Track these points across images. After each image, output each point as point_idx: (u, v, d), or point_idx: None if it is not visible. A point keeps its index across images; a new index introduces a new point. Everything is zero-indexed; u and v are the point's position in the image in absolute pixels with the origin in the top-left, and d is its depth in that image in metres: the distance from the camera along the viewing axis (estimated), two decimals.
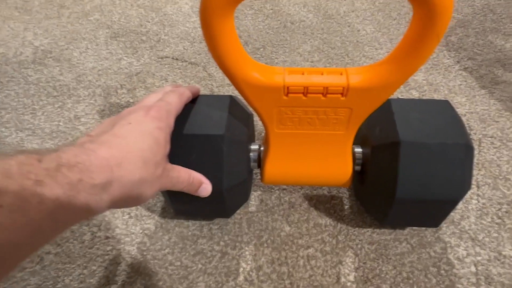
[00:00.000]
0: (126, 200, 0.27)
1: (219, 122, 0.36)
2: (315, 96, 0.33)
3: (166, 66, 0.63)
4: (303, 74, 0.33)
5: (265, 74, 0.33)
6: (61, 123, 0.55)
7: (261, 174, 0.40)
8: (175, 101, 0.34)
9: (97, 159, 0.24)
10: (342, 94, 0.32)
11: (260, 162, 0.41)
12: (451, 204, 0.35)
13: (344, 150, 0.38)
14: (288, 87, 0.33)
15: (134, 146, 0.27)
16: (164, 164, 0.31)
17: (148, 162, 0.28)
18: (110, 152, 0.25)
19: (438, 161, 0.33)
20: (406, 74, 0.30)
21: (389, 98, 0.38)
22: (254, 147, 0.41)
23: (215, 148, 0.35)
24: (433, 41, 0.28)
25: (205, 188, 0.35)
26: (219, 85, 0.59)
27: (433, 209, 0.36)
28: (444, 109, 0.36)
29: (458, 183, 0.33)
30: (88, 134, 0.29)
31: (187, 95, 0.37)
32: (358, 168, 0.40)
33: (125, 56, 0.65)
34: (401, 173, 0.33)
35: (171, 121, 0.33)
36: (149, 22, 0.72)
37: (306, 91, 0.33)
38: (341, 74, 0.32)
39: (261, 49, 0.65)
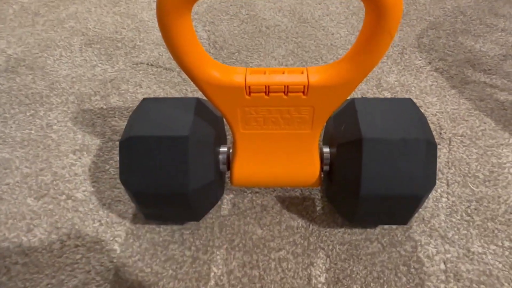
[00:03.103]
0: None
1: (184, 124, 0.36)
2: (277, 95, 0.33)
3: (141, 72, 0.63)
4: (264, 73, 0.33)
5: (226, 74, 0.33)
6: (32, 131, 0.54)
7: (230, 176, 0.40)
8: None
9: None
10: (303, 92, 0.33)
11: (229, 164, 0.40)
12: (416, 200, 0.35)
13: (310, 149, 0.38)
14: (249, 87, 0.33)
15: None
16: None
17: None
18: None
19: (400, 157, 0.33)
20: (364, 71, 0.31)
21: (354, 97, 0.39)
22: (223, 149, 0.41)
23: (180, 149, 0.35)
24: (386, 39, 0.28)
25: None
26: (194, 90, 0.59)
27: (399, 206, 0.36)
28: (406, 107, 0.37)
29: (420, 178, 0.34)
30: None
31: None
32: (326, 168, 0.40)
33: (100, 63, 0.65)
34: (364, 170, 0.34)
35: None
36: (124, 28, 0.72)
37: (267, 90, 0.33)
38: (302, 73, 0.33)
39: (236, 54, 0.65)
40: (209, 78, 0.32)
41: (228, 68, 0.33)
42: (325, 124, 0.36)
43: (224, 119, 0.45)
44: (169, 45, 0.30)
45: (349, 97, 0.41)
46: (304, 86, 0.32)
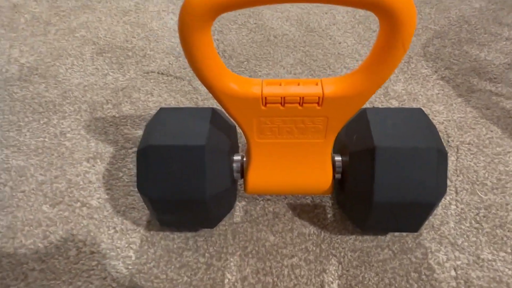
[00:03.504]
0: None
1: (201, 133, 0.37)
2: (292, 106, 0.34)
3: (152, 80, 0.64)
4: (280, 85, 0.34)
5: (243, 85, 0.34)
6: (46, 139, 0.55)
7: (244, 184, 0.41)
8: None
9: None
10: (318, 103, 0.34)
11: (243, 172, 0.41)
12: (427, 207, 0.36)
13: (323, 158, 0.39)
14: (266, 98, 0.34)
15: None
16: None
17: None
18: None
19: (411, 165, 0.34)
20: (377, 83, 0.32)
21: (365, 107, 0.40)
22: (236, 157, 0.41)
23: (197, 158, 0.36)
24: (399, 51, 0.29)
25: None
26: (204, 99, 0.60)
27: (410, 213, 0.37)
28: (417, 116, 0.38)
29: (432, 186, 0.35)
30: None
31: None
32: (338, 176, 0.41)
33: (111, 72, 0.66)
34: (377, 178, 0.34)
35: None
36: (135, 37, 0.73)
37: (283, 101, 0.34)
38: (316, 84, 0.34)
39: (245, 63, 0.66)
40: (227, 90, 0.33)
41: (245, 79, 0.34)
42: (337, 133, 0.37)
43: (238, 128, 0.46)
44: (190, 58, 0.31)
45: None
46: (319, 97, 0.33)
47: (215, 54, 0.31)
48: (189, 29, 0.29)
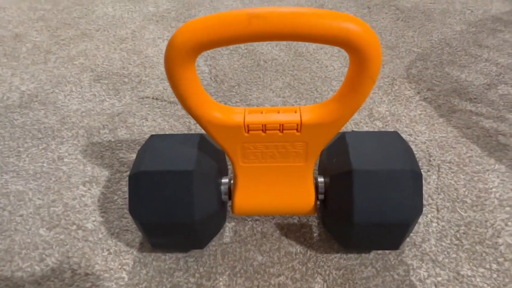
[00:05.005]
0: None
1: (189, 159, 0.39)
2: (273, 132, 0.36)
3: (147, 105, 0.67)
4: (261, 113, 0.37)
5: (227, 114, 0.36)
6: (44, 164, 0.58)
7: (232, 206, 0.43)
8: None
9: None
10: (297, 129, 0.36)
11: (231, 194, 0.43)
12: (405, 226, 0.37)
13: (305, 180, 0.41)
14: (248, 125, 0.36)
15: None
16: None
17: None
18: None
19: (388, 187, 0.36)
20: (351, 110, 0.34)
21: (345, 131, 0.42)
22: (224, 180, 0.44)
23: (185, 183, 0.38)
24: (368, 82, 0.31)
25: None
26: (196, 123, 0.63)
27: (389, 232, 0.38)
28: (393, 139, 0.40)
29: (408, 206, 0.37)
30: None
31: None
32: (321, 197, 0.43)
33: (108, 98, 0.69)
34: (356, 199, 0.36)
35: None
36: (131, 64, 0.76)
37: (264, 128, 0.36)
38: (295, 112, 0.36)
39: (236, 87, 0.69)
40: (211, 118, 0.35)
41: (229, 108, 0.37)
42: (318, 156, 0.39)
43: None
44: (175, 91, 0.33)
45: (341, 131, 0.45)
46: (297, 124, 0.36)
47: (199, 86, 0.34)
48: (174, 65, 0.31)
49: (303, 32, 0.28)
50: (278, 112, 0.36)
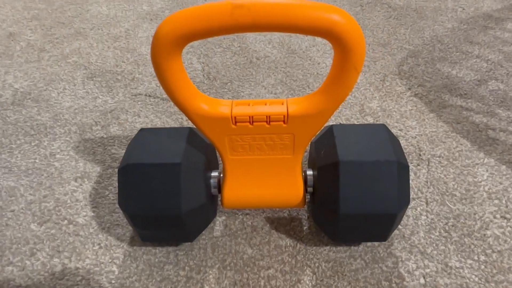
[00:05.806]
0: None
1: (177, 152, 0.39)
2: (260, 124, 0.37)
3: (139, 102, 0.67)
4: (249, 105, 0.37)
5: (214, 106, 0.36)
6: (37, 160, 0.58)
7: (221, 199, 0.43)
8: None
9: None
10: (283, 121, 0.36)
11: (220, 187, 0.43)
12: (391, 217, 0.38)
13: (293, 172, 0.41)
14: (235, 117, 0.36)
15: None
16: None
17: None
18: None
19: (374, 178, 0.37)
20: (336, 102, 0.34)
21: (332, 124, 0.42)
22: (214, 174, 0.44)
23: (173, 175, 0.38)
24: (352, 73, 0.32)
25: None
26: (185, 116, 0.63)
27: (376, 223, 0.39)
28: (380, 132, 0.40)
29: (394, 197, 0.37)
30: None
31: None
32: (310, 189, 0.43)
33: (101, 95, 0.69)
34: (342, 190, 0.37)
35: None
36: (124, 62, 0.76)
37: (251, 119, 0.36)
38: (282, 104, 0.36)
39: (229, 84, 0.70)
40: (199, 110, 0.36)
41: (216, 100, 0.37)
42: (306, 149, 0.40)
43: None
44: (162, 82, 0.33)
45: (328, 124, 0.45)
46: (284, 116, 0.36)
47: (185, 78, 0.34)
48: (159, 57, 0.31)
49: (286, 23, 0.28)
50: (265, 104, 0.37)
